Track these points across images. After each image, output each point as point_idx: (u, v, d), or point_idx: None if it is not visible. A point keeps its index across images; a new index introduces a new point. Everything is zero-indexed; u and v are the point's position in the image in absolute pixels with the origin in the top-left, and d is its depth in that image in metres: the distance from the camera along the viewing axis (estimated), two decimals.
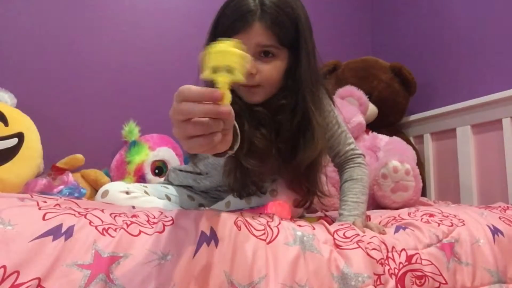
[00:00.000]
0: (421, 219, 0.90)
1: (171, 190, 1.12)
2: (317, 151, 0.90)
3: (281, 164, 0.92)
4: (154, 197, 1.02)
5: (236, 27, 0.86)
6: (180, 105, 0.53)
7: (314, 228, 0.78)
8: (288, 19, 0.87)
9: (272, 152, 0.90)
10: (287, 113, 0.91)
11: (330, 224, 0.86)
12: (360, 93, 1.63)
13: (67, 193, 1.08)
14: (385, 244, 0.78)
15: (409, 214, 0.98)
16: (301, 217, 1.07)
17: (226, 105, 0.54)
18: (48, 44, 1.77)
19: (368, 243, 0.76)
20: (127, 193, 0.97)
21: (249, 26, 0.85)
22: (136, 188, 1.00)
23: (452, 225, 0.86)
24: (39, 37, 1.75)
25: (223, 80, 0.55)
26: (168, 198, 1.07)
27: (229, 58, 0.55)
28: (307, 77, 0.90)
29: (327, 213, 1.23)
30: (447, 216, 0.91)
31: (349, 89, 1.65)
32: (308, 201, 0.98)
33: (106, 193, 0.95)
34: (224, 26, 0.88)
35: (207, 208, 0.98)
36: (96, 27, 1.85)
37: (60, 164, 1.46)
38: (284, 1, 0.87)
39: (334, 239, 0.76)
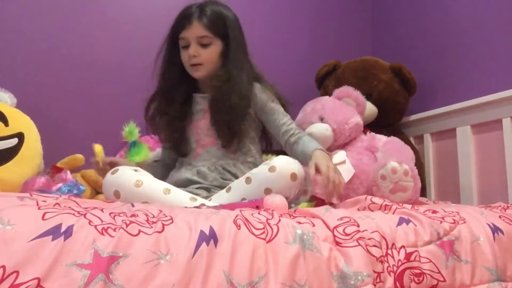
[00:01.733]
0: (425, 214, 0.89)
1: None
2: (238, 98, 1.24)
3: (213, 119, 1.28)
4: (161, 181, 1.14)
5: (183, 24, 1.27)
6: None
7: (313, 225, 0.78)
8: (219, 19, 1.27)
9: (181, 123, 1.32)
10: (221, 80, 1.26)
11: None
12: (357, 93, 1.62)
13: (66, 191, 1.08)
14: (385, 240, 0.78)
15: (412, 207, 0.98)
16: (296, 202, 1.11)
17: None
18: (48, 44, 1.77)
19: (368, 239, 0.76)
20: (136, 171, 1.10)
21: (191, 23, 1.26)
22: (145, 171, 1.14)
23: (454, 222, 0.86)
24: (39, 37, 1.75)
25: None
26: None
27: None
28: (236, 56, 1.28)
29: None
30: (450, 213, 0.91)
31: (346, 89, 1.64)
32: (230, 142, 1.26)
33: (116, 170, 1.08)
34: (176, 26, 1.30)
35: (206, 206, 0.98)
36: (96, 27, 1.85)
37: (60, 164, 1.46)
38: (216, 7, 1.28)
39: (334, 236, 0.76)
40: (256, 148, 1.35)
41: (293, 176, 1.07)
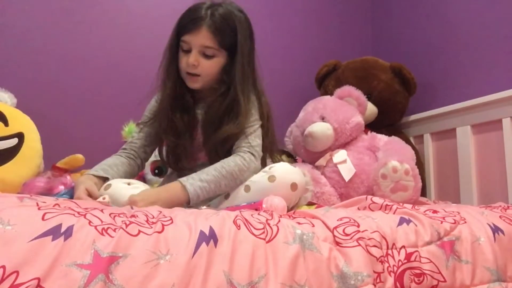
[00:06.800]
0: (425, 214, 0.89)
1: None
2: (239, 128, 1.13)
3: (205, 139, 1.18)
4: None
5: (189, 27, 1.12)
6: None
7: (313, 225, 0.78)
8: (230, 29, 1.13)
9: (187, 132, 1.19)
10: (215, 96, 1.17)
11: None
12: (358, 93, 1.63)
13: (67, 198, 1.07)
14: (385, 240, 0.78)
15: (413, 207, 0.98)
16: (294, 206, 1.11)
17: None
18: (48, 44, 1.77)
19: (369, 239, 0.76)
20: (129, 184, 1.05)
21: (198, 29, 1.11)
22: (139, 183, 1.09)
23: (454, 222, 0.86)
24: (39, 37, 1.75)
25: None
26: None
27: None
28: (239, 73, 1.15)
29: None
30: (451, 213, 0.91)
31: (348, 89, 1.64)
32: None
33: (108, 186, 1.03)
34: (181, 26, 1.15)
35: (205, 207, 0.98)
36: (96, 27, 1.86)
37: (60, 164, 1.46)
38: (228, 14, 1.13)
39: (334, 236, 0.76)
40: None
41: (294, 186, 1.02)
